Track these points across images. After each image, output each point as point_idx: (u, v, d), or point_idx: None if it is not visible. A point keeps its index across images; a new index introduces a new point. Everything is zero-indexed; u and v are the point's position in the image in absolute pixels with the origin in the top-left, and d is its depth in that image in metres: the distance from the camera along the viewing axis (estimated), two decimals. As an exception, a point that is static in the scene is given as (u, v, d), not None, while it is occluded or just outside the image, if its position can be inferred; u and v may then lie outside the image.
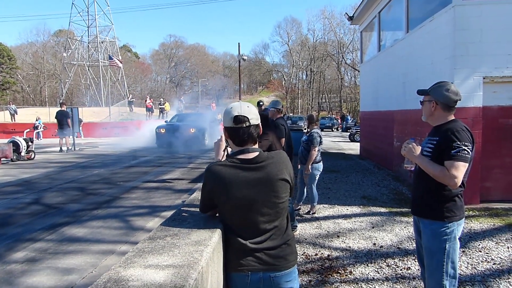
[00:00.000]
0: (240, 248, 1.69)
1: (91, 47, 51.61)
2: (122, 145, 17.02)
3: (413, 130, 8.03)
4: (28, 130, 15.09)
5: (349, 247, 4.51)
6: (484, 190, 6.30)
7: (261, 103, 6.67)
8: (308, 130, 5.91)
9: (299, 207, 6.14)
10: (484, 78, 6.14)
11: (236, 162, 1.73)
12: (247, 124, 1.74)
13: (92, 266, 3.92)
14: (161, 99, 28.24)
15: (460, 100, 2.42)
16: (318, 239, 4.81)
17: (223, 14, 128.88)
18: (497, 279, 3.58)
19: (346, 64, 62.35)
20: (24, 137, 12.82)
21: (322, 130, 20.27)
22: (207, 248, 1.50)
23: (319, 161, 5.84)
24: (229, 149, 1.96)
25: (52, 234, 4.95)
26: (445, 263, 2.36)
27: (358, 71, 34.43)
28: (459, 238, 2.41)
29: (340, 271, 3.80)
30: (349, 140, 22.25)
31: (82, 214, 5.88)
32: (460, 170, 2.22)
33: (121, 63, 46.61)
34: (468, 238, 4.72)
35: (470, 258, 4.10)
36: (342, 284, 3.53)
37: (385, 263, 4.00)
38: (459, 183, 2.25)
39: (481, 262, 3.99)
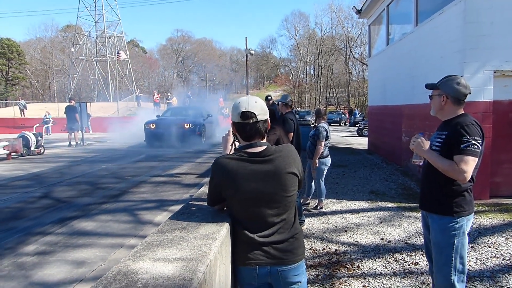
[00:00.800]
0: (248, 242, 1.69)
1: (98, 42, 51.88)
2: (130, 139, 16.91)
3: (422, 125, 7.96)
4: (38, 125, 15.26)
5: (357, 242, 4.51)
6: (494, 185, 6.23)
7: (269, 98, 6.65)
8: (316, 124, 5.89)
9: (308, 201, 6.14)
10: (495, 72, 6.05)
11: (244, 155, 1.73)
12: (254, 120, 1.73)
13: (102, 259, 3.97)
14: (169, 94, 28.27)
15: (470, 94, 2.39)
16: (326, 233, 4.81)
17: (230, 8, 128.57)
18: (506, 274, 3.55)
19: (354, 58, 61.82)
20: (34, 132, 12.96)
21: (329, 125, 20.08)
22: (215, 241, 1.51)
23: (327, 156, 5.81)
24: (237, 144, 1.96)
25: (62, 227, 5.01)
26: (453, 258, 2.34)
27: (366, 65, 34.20)
28: (468, 234, 2.39)
29: (347, 266, 3.80)
30: (357, 135, 22.14)
31: (91, 208, 5.95)
32: (470, 164, 2.20)
33: (125, 55, 47.30)
34: (477, 234, 4.68)
35: (479, 253, 4.07)
36: (350, 279, 3.53)
37: (393, 258, 3.99)
38: (469, 177, 2.23)
39: (490, 257, 3.96)
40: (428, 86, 2.51)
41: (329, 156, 5.88)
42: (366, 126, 18.11)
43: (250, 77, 71.28)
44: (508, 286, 3.33)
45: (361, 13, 13.81)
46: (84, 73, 53.49)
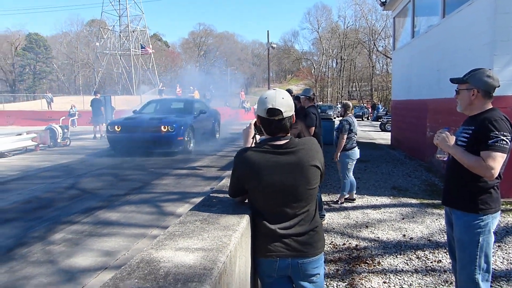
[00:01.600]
0: (269, 234, 1.70)
1: (122, 36, 52.74)
2: None
3: (447, 120, 7.74)
4: (64, 117, 15.66)
5: (378, 237, 4.45)
6: (522, 182, 6.01)
7: (291, 92, 6.62)
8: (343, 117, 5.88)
9: (354, 197, 6.03)
10: (526, 65, 5.82)
11: (268, 148, 1.72)
12: (280, 117, 1.71)
13: (125, 249, 4.07)
14: (191, 87, 28.43)
15: (499, 86, 2.31)
16: (346, 228, 4.77)
17: (252, 1, 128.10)
18: (534, 275, 3.44)
19: (377, 52, 60.57)
20: (60, 124, 13.35)
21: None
22: (235, 233, 1.53)
23: (351, 149, 5.71)
24: (258, 137, 1.96)
25: (88, 217, 5.17)
26: (478, 257, 2.28)
27: (390, 59, 33.44)
28: (494, 232, 2.33)
29: (368, 261, 3.77)
30: (380, 130, 21.77)
31: (115, 199, 6.10)
32: (498, 161, 2.13)
33: (151, 50, 48.16)
34: (505, 233, 4.54)
35: (506, 253, 3.95)
36: (370, 274, 3.50)
37: (414, 255, 3.93)
38: (496, 174, 2.15)
39: (518, 257, 3.84)
40: (453, 81, 2.40)
41: (355, 149, 5.77)
42: (389, 120, 17.77)
43: (271, 70, 71.04)
44: (536, 287, 3.23)
45: (385, 5, 13.51)
46: (109, 66, 54.57)
